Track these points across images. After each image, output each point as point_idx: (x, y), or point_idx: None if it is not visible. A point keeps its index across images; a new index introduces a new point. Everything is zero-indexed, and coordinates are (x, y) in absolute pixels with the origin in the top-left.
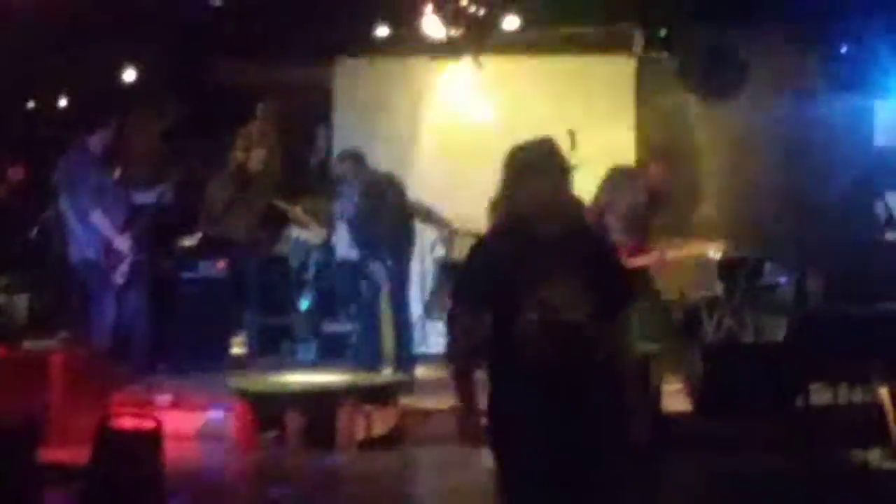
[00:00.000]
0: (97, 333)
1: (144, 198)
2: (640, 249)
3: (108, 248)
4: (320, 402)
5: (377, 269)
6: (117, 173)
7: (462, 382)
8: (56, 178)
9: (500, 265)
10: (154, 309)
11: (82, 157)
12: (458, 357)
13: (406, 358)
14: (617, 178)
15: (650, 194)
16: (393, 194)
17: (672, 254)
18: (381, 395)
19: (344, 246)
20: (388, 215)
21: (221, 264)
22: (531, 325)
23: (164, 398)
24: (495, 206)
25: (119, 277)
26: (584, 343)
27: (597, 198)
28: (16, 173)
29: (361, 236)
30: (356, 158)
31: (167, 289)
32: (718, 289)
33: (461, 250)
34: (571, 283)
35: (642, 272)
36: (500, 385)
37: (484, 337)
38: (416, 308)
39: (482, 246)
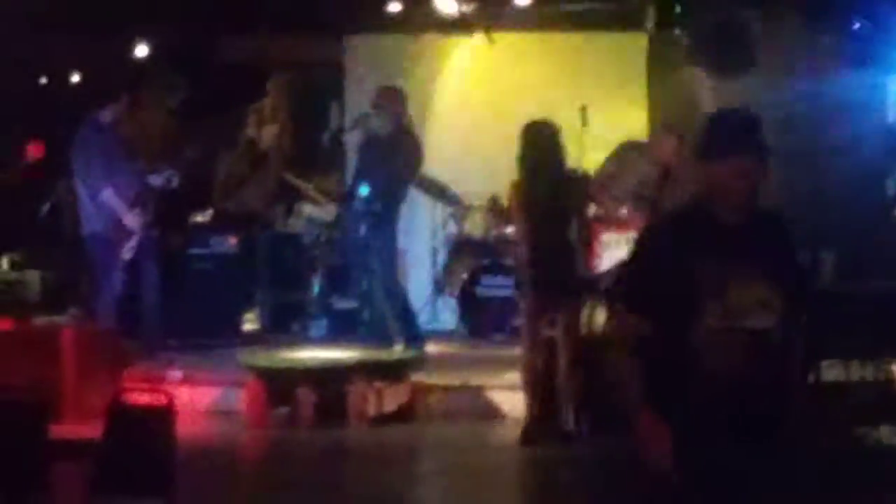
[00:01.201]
0: (103, 307)
1: (153, 180)
2: None
3: (118, 223)
4: (332, 379)
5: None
6: (129, 149)
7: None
8: (69, 153)
9: (674, 258)
10: (166, 285)
11: (94, 132)
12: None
13: (410, 333)
14: (626, 152)
15: (662, 169)
16: (403, 150)
17: None
18: (392, 372)
19: (354, 222)
20: (385, 169)
21: (233, 240)
22: (711, 332)
23: (176, 374)
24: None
25: (127, 253)
26: (773, 353)
27: (602, 167)
28: (36, 151)
29: (356, 178)
30: (400, 96)
31: (179, 265)
32: None
33: (472, 226)
34: (758, 281)
35: None
36: (671, 403)
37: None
38: (427, 284)
39: (653, 234)
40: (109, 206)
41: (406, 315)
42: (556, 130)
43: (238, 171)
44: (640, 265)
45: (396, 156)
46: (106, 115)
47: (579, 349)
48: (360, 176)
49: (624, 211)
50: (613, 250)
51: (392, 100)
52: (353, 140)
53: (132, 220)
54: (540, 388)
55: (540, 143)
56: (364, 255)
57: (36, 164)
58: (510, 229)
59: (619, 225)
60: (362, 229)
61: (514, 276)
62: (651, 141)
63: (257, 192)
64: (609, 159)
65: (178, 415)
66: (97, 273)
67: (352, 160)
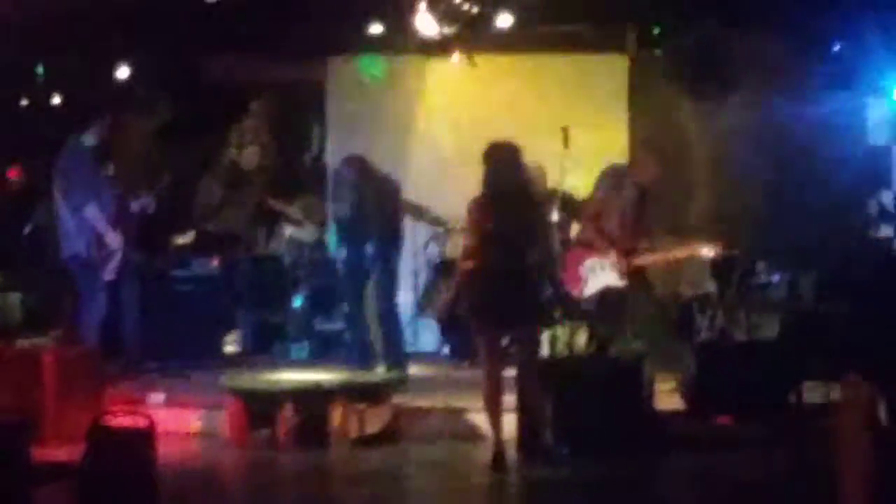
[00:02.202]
0: (86, 329)
1: (131, 207)
2: (635, 248)
3: (100, 244)
4: (313, 400)
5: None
6: (111, 169)
7: None
8: (50, 175)
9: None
10: (147, 307)
11: (76, 152)
12: None
13: (396, 356)
14: (611, 177)
15: (639, 189)
16: (389, 201)
17: (676, 254)
18: (374, 393)
19: (336, 245)
20: (379, 224)
21: (215, 262)
22: None
23: (157, 396)
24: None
25: (109, 273)
26: None
27: (592, 197)
28: (15, 175)
29: (352, 236)
30: (363, 166)
31: (160, 287)
32: (711, 287)
33: (454, 248)
34: None
35: (640, 271)
36: None
37: None
38: (408, 307)
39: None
40: (92, 222)
41: (395, 339)
42: (516, 150)
43: (219, 193)
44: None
45: (378, 218)
46: (88, 138)
47: (544, 372)
48: (349, 238)
49: (616, 237)
50: (598, 274)
51: (354, 170)
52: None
53: (113, 238)
54: (500, 414)
55: (499, 163)
56: (351, 279)
57: (16, 189)
58: None
59: (603, 250)
60: (343, 253)
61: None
62: (632, 162)
63: (238, 214)
64: (597, 187)
65: (159, 437)
66: (80, 295)
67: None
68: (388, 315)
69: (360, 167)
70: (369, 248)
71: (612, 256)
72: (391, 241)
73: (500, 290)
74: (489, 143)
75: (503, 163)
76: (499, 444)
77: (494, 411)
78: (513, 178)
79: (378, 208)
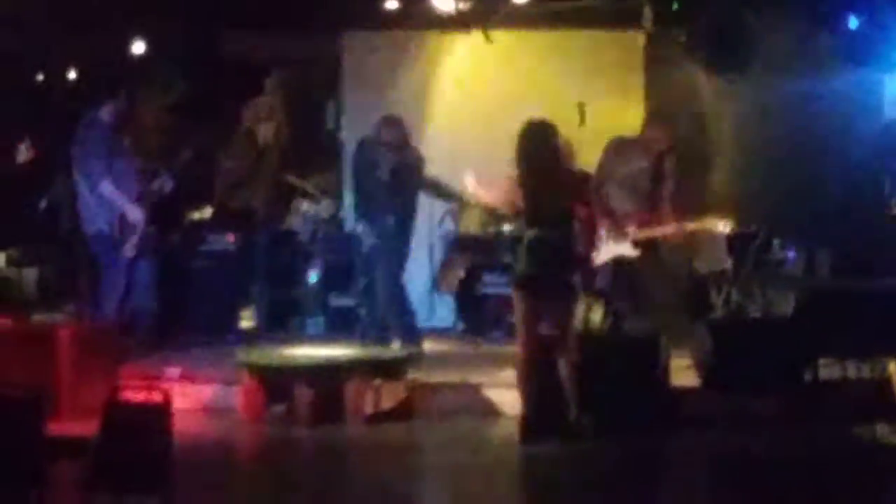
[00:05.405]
0: (106, 305)
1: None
2: (650, 220)
3: (121, 220)
4: (328, 376)
5: (365, 231)
6: (128, 145)
7: None
8: (68, 150)
9: None
10: (163, 282)
11: (94, 128)
12: None
13: (408, 331)
14: (615, 147)
15: (653, 159)
16: (414, 173)
17: (692, 226)
18: (389, 369)
19: (352, 220)
20: (405, 196)
21: (231, 238)
22: None
23: (172, 371)
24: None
25: (130, 250)
26: None
27: (599, 167)
28: (27, 149)
29: (378, 207)
30: (405, 128)
31: (176, 262)
32: (727, 263)
33: (469, 223)
34: None
35: (652, 245)
36: None
37: None
38: (424, 282)
39: None
40: (109, 199)
41: (407, 314)
42: (554, 130)
43: (235, 169)
44: None
45: (405, 180)
46: (105, 113)
47: (576, 348)
48: (366, 197)
49: (621, 207)
50: (611, 245)
51: (394, 130)
52: (350, 149)
53: (134, 212)
54: (535, 387)
55: (538, 142)
56: (364, 254)
57: (28, 163)
58: (507, 227)
59: (616, 220)
60: (360, 228)
61: (510, 273)
62: (643, 134)
63: (254, 190)
64: (601, 158)
65: (174, 412)
66: (101, 271)
67: (346, 159)
68: (395, 290)
69: (403, 129)
70: (390, 220)
71: (626, 227)
72: (410, 217)
73: (537, 264)
74: (525, 121)
75: (538, 142)
76: (527, 412)
77: (527, 381)
78: (548, 156)
79: (408, 178)
